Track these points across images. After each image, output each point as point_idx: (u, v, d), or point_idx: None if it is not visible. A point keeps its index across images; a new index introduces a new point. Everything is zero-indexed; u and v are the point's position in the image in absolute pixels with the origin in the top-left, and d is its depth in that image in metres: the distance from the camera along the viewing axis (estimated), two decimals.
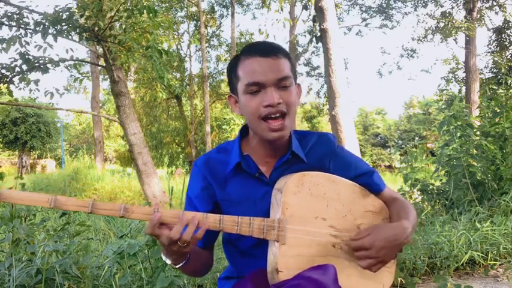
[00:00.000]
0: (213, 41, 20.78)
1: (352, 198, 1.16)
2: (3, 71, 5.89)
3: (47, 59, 5.98)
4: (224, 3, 19.69)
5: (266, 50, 1.11)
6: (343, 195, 1.15)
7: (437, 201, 4.17)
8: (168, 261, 1.05)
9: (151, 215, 0.99)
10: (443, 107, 4.31)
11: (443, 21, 13.41)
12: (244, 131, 1.24)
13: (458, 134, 4.09)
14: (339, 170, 1.20)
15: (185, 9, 19.10)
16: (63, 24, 5.65)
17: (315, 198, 1.11)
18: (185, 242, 0.98)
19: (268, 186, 1.16)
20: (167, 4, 16.57)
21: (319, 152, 1.22)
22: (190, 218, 0.99)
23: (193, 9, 18.86)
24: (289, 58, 1.14)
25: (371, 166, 1.26)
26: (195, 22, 19.42)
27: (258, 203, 1.16)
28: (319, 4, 5.00)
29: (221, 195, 1.19)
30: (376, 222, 1.18)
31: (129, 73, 15.35)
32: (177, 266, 1.06)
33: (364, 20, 19.51)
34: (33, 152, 20.68)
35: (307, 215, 1.10)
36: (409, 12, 22.93)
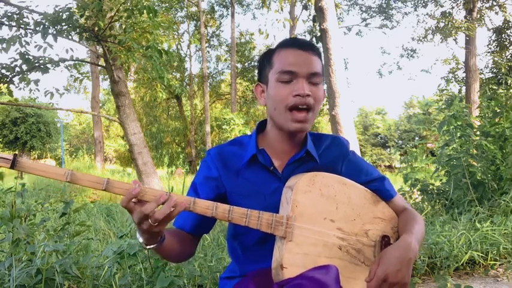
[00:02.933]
0: (213, 41, 20.81)
1: (362, 203, 1.16)
2: (3, 71, 5.88)
3: (47, 59, 5.97)
4: (224, 3, 19.70)
5: (304, 44, 1.15)
6: (353, 199, 1.15)
7: (437, 201, 4.17)
8: (141, 240, 1.03)
9: (160, 197, 0.97)
10: (443, 107, 4.31)
11: (443, 21, 13.41)
12: (261, 126, 1.26)
13: (458, 134, 4.09)
14: (351, 174, 1.20)
15: (185, 9, 19.12)
16: (63, 24, 5.65)
17: (325, 199, 1.11)
18: (157, 220, 0.95)
19: (280, 181, 1.17)
20: (167, 4, 16.59)
21: (332, 155, 1.23)
22: (166, 198, 0.97)
23: (193, 9, 18.89)
24: (321, 58, 1.18)
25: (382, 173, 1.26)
26: (195, 22, 19.45)
27: (267, 197, 1.17)
28: (319, 4, 4.99)
29: (231, 187, 1.19)
30: (385, 229, 1.18)
31: (129, 73, 15.35)
32: (148, 247, 1.04)
33: (364, 20, 19.54)
34: (33, 152, 20.69)
35: (316, 215, 1.09)
36: (409, 12, 22.97)
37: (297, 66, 1.12)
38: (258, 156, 1.18)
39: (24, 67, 5.88)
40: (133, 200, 0.97)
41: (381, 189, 1.21)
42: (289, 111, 1.12)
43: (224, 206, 1.05)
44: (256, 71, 1.26)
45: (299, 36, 18.69)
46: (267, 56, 1.19)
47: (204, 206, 1.04)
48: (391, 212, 1.21)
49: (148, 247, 1.04)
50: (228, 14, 19.82)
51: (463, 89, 12.92)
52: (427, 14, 14.38)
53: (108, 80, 7.27)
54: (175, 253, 1.15)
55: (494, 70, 13.73)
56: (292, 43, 1.16)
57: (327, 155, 1.22)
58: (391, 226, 1.19)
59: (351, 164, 1.23)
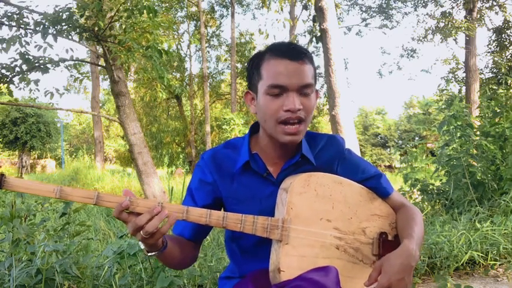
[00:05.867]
0: (213, 41, 20.79)
1: (358, 201, 1.16)
2: (3, 71, 5.88)
3: (47, 59, 5.97)
4: (224, 3, 19.69)
5: (294, 53, 1.08)
6: (349, 197, 1.14)
7: (437, 201, 4.17)
8: (142, 247, 1.03)
9: (154, 209, 0.97)
10: (443, 107, 4.31)
11: (443, 21, 13.40)
12: (254, 128, 1.23)
13: (458, 134, 4.09)
14: (347, 173, 1.19)
15: (185, 9, 19.11)
16: (63, 24, 5.64)
17: (321, 199, 1.11)
18: (148, 233, 0.95)
19: (275, 186, 1.15)
20: (167, 4, 16.59)
21: (328, 155, 1.21)
22: (160, 209, 0.97)
23: (193, 9, 18.87)
24: (313, 64, 1.13)
25: (379, 170, 1.25)
26: (195, 22, 19.43)
27: (263, 201, 1.16)
28: (319, 4, 4.99)
29: (227, 192, 1.18)
30: (383, 226, 1.17)
31: (129, 73, 15.35)
32: (150, 254, 1.04)
33: (364, 20, 19.52)
34: (33, 152, 20.66)
35: (312, 216, 1.09)
36: (409, 12, 22.93)
37: (287, 79, 1.06)
38: (250, 163, 1.15)
39: (24, 67, 5.88)
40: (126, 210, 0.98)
41: (377, 187, 1.20)
42: (280, 124, 1.08)
43: (218, 213, 1.04)
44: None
45: (299, 36, 18.69)
46: (255, 64, 1.13)
47: (198, 214, 1.03)
48: (388, 208, 1.20)
49: (149, 254, 1.04)
50: (228, 14, 19.81)
51: (463, 89, 12.92)
52: (427, 14, 14.39)
53: (108, 80, 7.27)
54: (177, 260, 1.15)
55: (494, 70, 13.72)
56: (281, 52, 1.09)
57: (323, 155, 1.21)
58: (389, 222, 1.19)
59: (346, 163, 1.22)
